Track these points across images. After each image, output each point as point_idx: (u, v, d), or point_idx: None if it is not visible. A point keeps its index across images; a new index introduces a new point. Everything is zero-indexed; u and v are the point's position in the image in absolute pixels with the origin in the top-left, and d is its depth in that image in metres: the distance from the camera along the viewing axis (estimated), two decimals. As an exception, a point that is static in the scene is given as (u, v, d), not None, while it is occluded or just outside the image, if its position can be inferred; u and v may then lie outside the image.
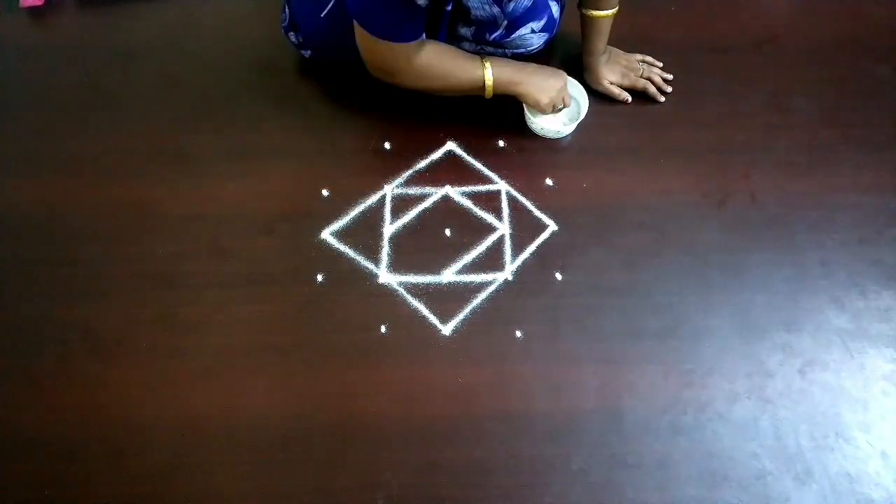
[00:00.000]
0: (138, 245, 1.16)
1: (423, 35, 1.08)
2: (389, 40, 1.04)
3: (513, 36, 1.16)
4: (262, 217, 1.18)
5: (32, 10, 1.41)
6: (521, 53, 1.21)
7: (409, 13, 1.01)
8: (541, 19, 1.16)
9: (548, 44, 1.22)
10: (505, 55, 1.22)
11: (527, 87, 1.16)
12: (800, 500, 0.99)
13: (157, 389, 1.05)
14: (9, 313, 1.12)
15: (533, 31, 1.17)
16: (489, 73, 1.13)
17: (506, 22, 1.12)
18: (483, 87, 1.14)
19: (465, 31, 1.18)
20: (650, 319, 1.10)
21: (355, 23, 1.04)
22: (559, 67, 1.26)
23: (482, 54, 1.15)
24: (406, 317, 1.10)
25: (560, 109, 1.22)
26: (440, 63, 1.11)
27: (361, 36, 1.06)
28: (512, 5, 1.09)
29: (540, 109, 1.19)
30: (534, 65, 1.18)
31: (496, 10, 1.09)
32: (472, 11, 1.10)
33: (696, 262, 1.15)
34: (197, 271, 1.14)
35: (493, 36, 1.16)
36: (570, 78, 1.25)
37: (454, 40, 1.22)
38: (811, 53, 1.36)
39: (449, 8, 1.10)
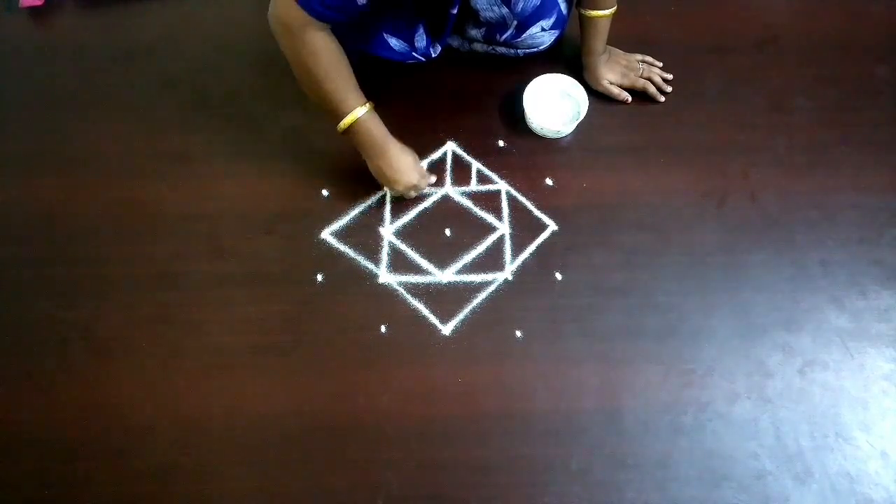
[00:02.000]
0: (138, 245, 1.16)
1: (339, 21, 0.98)
2: (303, 5, 0.92)
3: (523, 35, 1.16)
4: (262, 217, 1.18)
5: (32, 10, 1.41)
6: (533, 52, 1.21)
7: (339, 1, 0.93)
8: (550, 17, 1.15)
9: (558, 41, 1.22)
10: (517, 55, 1.22)
11: (374, 161, 1.09)
12: (800, 500, 0.99)
13: (157, 389, 1.05)
14: (9, 313, 1.12)
15: (543, 30, 1.16)
16: (355, 115, 1.03)
17: (515, 22, 1.12)
18: (339, 120, 1.04)
19: (475, 32, 1.18)
20: (650, 319, 1.10)
21: None
22: (559, 66, 1.27)
23: (369, 101, 1.06)
24: (406, 317, 1.10)
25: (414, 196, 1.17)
26: (325, 60, 0.99)
27: None
28: (521, 5, 1.08)
29: (392, 189, 1.14)
30: (402, 150, 1.12)
31: (505, 10, 1.09)
32: (481, 13, 1.10)
33: (696, 262, 1.15)
34: (197, 271, 1.14)
35: (503, 36, 1.16)
36: (570, 78, 1.25)
37: (466, 41, 1.22)
38: (811, 53, 1.36)
39: (454, 11, 1.09)
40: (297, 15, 0.95)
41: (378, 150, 1.09)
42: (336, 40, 1.01)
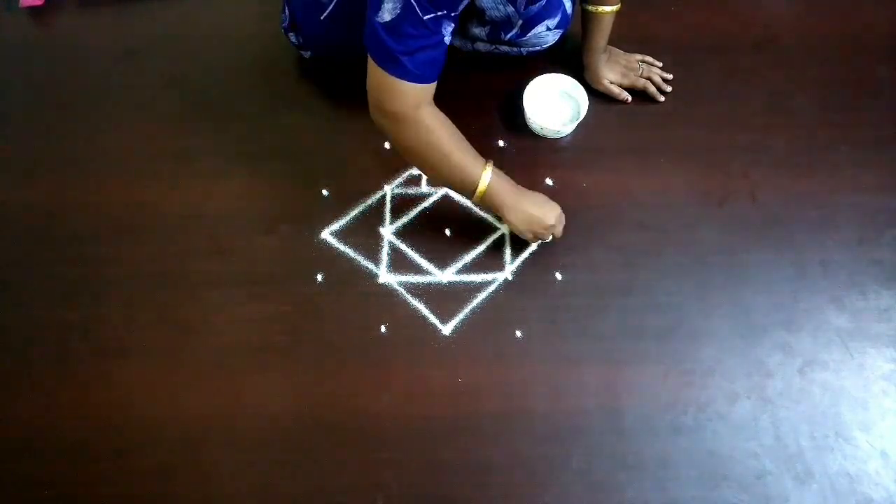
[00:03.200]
0: (138, 245, 1.16)
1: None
2: (406, 79, 0.94)
3: (528, 35, 1.16)
4: (262, 217, 1.18)
5: (32, 10, 1.41)
6: (537, 51, 1.21)
7: (433, 51, 0.94)
8: (555, 16, 1.16)
9: (562, 39, 1.22)
10: (520, 54, 1.22)
11: (513, 213, 1.06)
12: (800, 500, 0.99)
13: (157, 389, 1.05)
14: (9, 313, 1.12)
15: (548, 29, 1.16)
16: (486, 178, 1.01)
17: (521, 21, 1.12)
18: (474, 187, 1.02)
19: (479, 31, 1.17)
20: (650, 319, 1.10)
21: (369, 61, 0.95)
22: (560, 66, 1.27)
23: (488, 161, 1.04)
24: (406, 317, 1.10)
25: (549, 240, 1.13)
26: (446, 135, 1.00)
27: (374, 73, 0.96)
28: (526, 4, 1.08)
29: (522, 236, 1.11)
30: (532, 194, 1.08)
31: (511, 9, 1.09)
32: (487, 12, 1.10)
33: (696, 262, 1.15)
34: (197, 271, 1.14)
35: (508, 35, 1.16)
36: (569, 78, 1.25)
37: (468, 40, 1.22)
38: (811, 53, 1.36)
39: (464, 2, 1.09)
40: (409, 98, 0.95)
41: (515, 202, 1.05)
42: (445, 115, 1.01)
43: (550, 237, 1.12)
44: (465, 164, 1.01)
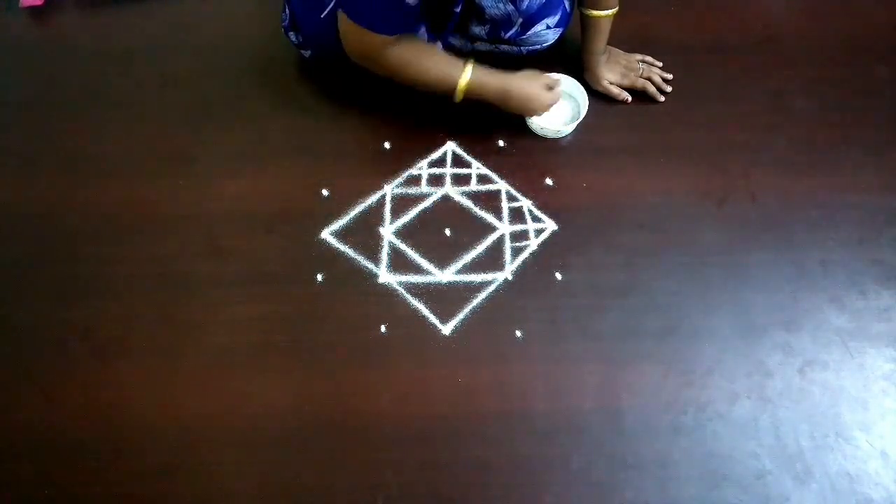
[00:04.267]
0: (138, 245, 1.16)
1: (409, 31, 1.09)
2: (370, 29, 1.03)
3: (528, 33, 1.16)
4: (262, 217, 1.18)
5: (32, 10, 1.41)
6: (537, 50, 1.21)
7: (396, 9, 1.01)
8: (555, 15, 1.16)
9: (562, 38, 1.22)
10: (520, 53, 1.22)
11: (505, 101, 1.14)
12: (800, 500, 0.99)
13: (157, 389, 1.05)
14: (9, 313, 1.12)
15: (548, 27, 1.17)
16: (465, 76, 1.11)
17: (521, 20, 1.12)
18: (454, 89, 1.12)
19: (479, 30, 1.17)
20: (650, 319, 1.10)
21: (339, 10, 1.05)
22: (560, 66, 1.27)
23: (466, 58, 1.14)
24: (406, 317, 1.10)
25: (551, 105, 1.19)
26: (417, 57, 1.10)
27: (342, 18, 1.05)
28: (526, 2, 1.09)
29: (532, 112, 1.18)
30: (520, 74, 1.15)
31: (510, 7, 1.09)
32: (487, 10, 1.10)
33: (696, 262, 1.15)
34: (197, 271, 1.14)
35: (508, 34, 1.16)
36: (569, 77, 1.25)
37: (468, 40, 1.22)
38: (811, 53, 1.36)
39: (458, 9, 1.09)
40: (370, 41, 1.05)
41: (503, 93, 1.12)
42: (413, 37, 1.09)
43: (557, 98, 1.17)
44: (442, 76, 1.10)
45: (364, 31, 1.03)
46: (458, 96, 1.13)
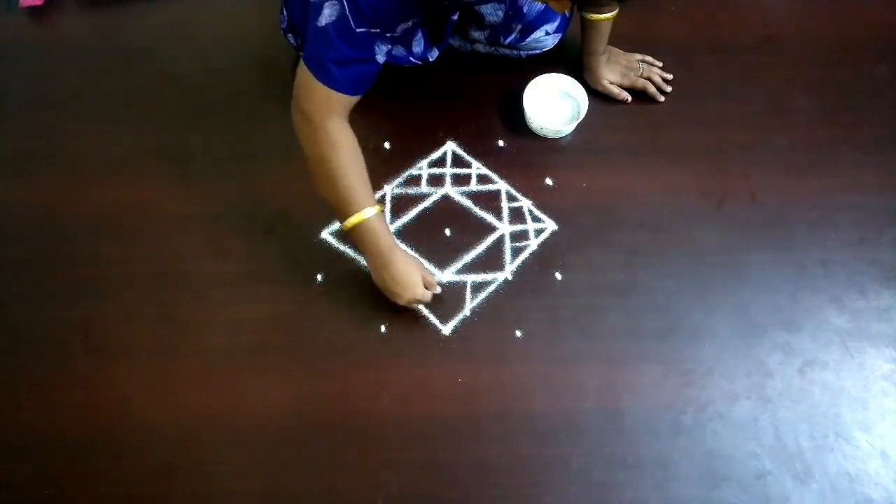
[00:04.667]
0: (138, 245, 1.16)
1: (361, 93, 0.99)
2: (325, 83, 0.94)
3: (528, 39, 1.16)
4: (262, 217, 1.18)
5: (32, 10, 1.41)
6: (536, 54, 1.21)
7: (361, 66, 0.95)
8: (554, 21, 1.16)
9: (560, 43, 1.22)
10: (519, 57, 1.22)
11: (375, 269, 1.04)
12: (800, 500, 0.99)
13: (157, 389, 1.05)
14: (9, 313, 1.12)
15: (547, 33, 1.17)
16: (361, 216, 0.98)
17: (520, 26, 1.12)
18: (346, 217, 0.99)
19: (478, 34, 1.17)
20: (650, 319, 1.10)
21: (301, 62, 0.96)
22: (560, 66, 1.26)
23: (380, 203, 1.04)
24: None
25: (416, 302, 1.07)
26: (345, 155, 0.98)
27: (300, 68, 0.96)
28: (525, 9, 1.08)
29: (394, 299, 1.06)
30: (407, 261, 1.04)
31: (510, 15, 1.09)
32: (486, 17, 1.10)
33: (696, 262, 1.15)
34: (197, 271, 1.14)
35: (507, 40, 1.16)
36: (570, 78, 1.25)
37: (468, 42, 1.22)
38: (811, 53, 1.36)
39: (454, 17, 1.09)
40: (321, 102, 0.95)
41: (384, 258, 1.01)
42: (354, 137, 1.00)
43: (407, 306, 1.07)
44: (352, 192, 0.98)
45: (319, 88, 0.94)
46: (345, 227, 1.00)
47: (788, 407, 1.05)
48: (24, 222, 1.19)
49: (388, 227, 1.04)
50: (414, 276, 1.04)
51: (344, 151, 0.98)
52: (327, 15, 0.90)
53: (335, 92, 0.95)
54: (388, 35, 0.94)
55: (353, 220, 0.99)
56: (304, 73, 0.95)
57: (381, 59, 0.95)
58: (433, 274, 1.13)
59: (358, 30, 0.90)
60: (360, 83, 0.97)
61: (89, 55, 1.36)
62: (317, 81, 0.94)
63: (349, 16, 0.89)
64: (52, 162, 1.25)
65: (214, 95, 1.31)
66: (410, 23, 1.01)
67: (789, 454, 1.01)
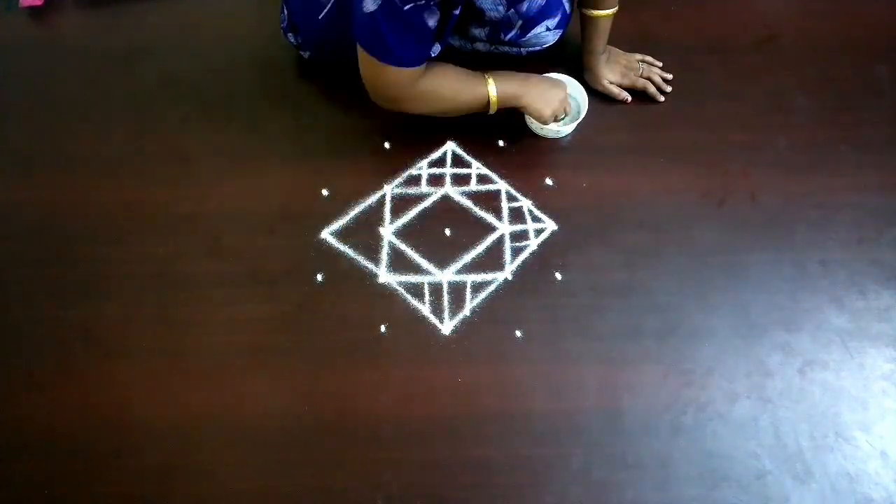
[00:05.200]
0: (138, 245, 1.16)
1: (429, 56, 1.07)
2: (398, 65, 1.01)
3: (528, 35, 1.16)
4: (262, 217, 1.18)
5: (32, 10, 1.41)
6: (537, 51, 1.21)
7: (419, 36, 1.00)
8: (555, 17, 1.16)
9: (561, 39, 1.22)
10: (520, 54, 1.23)
11: (530, 100, 1.14)
12: (800, 500, 0.99)
13: (157, 389, 1.05)
14: (9, 313, 1.12)
15: (548, 29, 1.17)
16: (493, 90, 1.11)
17: (521, 22, 1.12)
18: (487, 104, 1.13)
19: (478, 31, 1.17)
20: (650, 319, 1.10)
21: (359, 50, 1.02)
22: (560, 66, 1.27)
23: (483, 69, 1.14)
24: (406, 317, 1.10)
25: (562, 119, 1.22)
26: (446, 85, 1.10)
27: (366, 63, 1.03)
28: (526, 5, 1.08)
29: (542, 120, 1.17)
30: (535, 77, 1.17)
31: (510, 10, 1.09)
32: (487, 13, 1.10)
33: (696, 262, 1.15)
34: (197, 271, 1.14)
35: (508, 36, 1.16)
36: (570, 78, 1.25)
37: (467, 41, 1.22)
38: (811, 53, 1.36)
39: (456, 12, 1.09)
40: (403, 80, 1.04)
41: (518, 98, 1.13)
42: (432, 63, 1.08)
43: (563, 114, 1.20)
44: (471, 93, 1.11)
45: (392, 71, 1.02)
46: (493, 108, 1.14)
47: (788, 407, 1.05)
48: (24, 222, 1.19)
49: (507, 77, 1.14)
50: (549, 81, 1.17)
51: (440, 87, 1.09)
52: (371, 1, 0.94)
53: (406, 69, 1.02)
54: (432, 4, 0.97)
55: (493, 101, 1.12)
56: (370, 65, 1.02)
57: (432, 24, 0.99)
58: (433, 274, 1.13)
59: (405, 7, 0.94)
60: (424, 52, 1.03)
61: (89, 55, 1.36)
62: (385, 66, 1.00)
63: None
64: (52, 162, 1.25)
65: (214, 95, 1.31)
66: None
67: (789, 454, 1.01)
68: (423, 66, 1.05)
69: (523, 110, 1.17)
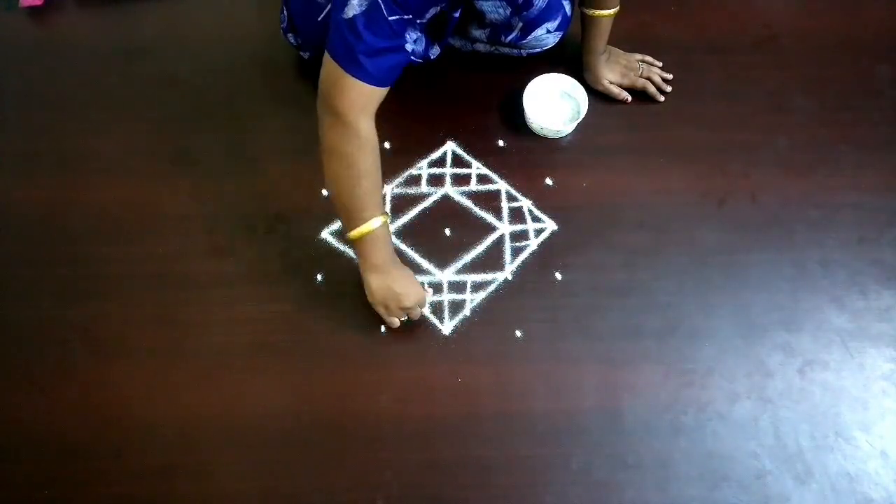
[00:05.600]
0: (138, 245, 1.16)
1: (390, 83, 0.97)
2: (363, 79, 0.92)
3: (529, 37, 1.16)
4: (262, 217, 1.18)
5: (32, 10, 1.41)
6: (537, 52, 1.21)
7: (392, 55, 0.93)
8: (555, 19, 1.16)
9: (561, 41, 1.22)
10: (520, 55, 1.23)
11: (370, 281, 1.01)
12: (800, 500, 0.99)
13: (157, 389, 1.05)
14: (9, 313, 1.12)
15: (548, 31, 1.17)
16: (367, 227, 0.96)
17: (521, 24, 1.12)
18: (356, 225, 0.97)
19: (479, 33, 1.17)
20: (650, 319, 1.10)
21: (325, 59, 0.94)
22: (560, 66, 1.26)
23: (384, 213, 1.00)
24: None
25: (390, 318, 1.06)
26: (371, 158, 0.97)
27: (329, 69, 0.94)
28: (527, 7, 1.08)
29: (373, 305, 1.05)
30: (405, 275, 1.04)
31: (511, 12, 1.09)
32: (487, 15, 1.10)
33: (696, 262, 1.15)
34: (197, 271, 1.14)
35: (508, 38, 1.16)
36: (570, 78, 1.25)
37: (468, 42, 1.22)
38: (811, 53, 1.36)
39: (456, 15, 1.09)
40: (354, 98, 0.93)
41: (387, 267, 1.01)
42: (370, 148, 0.96)
43: (398, 321, 1.05)
44: (366, 200, 0.97)
45: (352, 85, 0.92)
46: (352, 235, 0.98)
47: (789, 407, 1.05)
48: (24, 222, 1.19)
49: (390, 242, 1.03)
50: (415, 284, 1.04)
51: (370, 154, 0.97)
52: (356, 5, 0.89)
53: (367, 85, 0.93)
54: (418, 21, 0.94)
55: (363, 229, 0.97)
56: (332, 70, 0.93)
57: (409, 47, 0.95)
58: (433, 274, 1.13)
59: (391, 17, 0.90)
60: (391, 74, 0.95)
61: (89, 55, 1.36)
62: (348, 76, 0.92)
63: (382, 4, 0.88)
64: (52, 162, 1.25)
65: (214, 95, 1.31)
66: (438, 8, 1.01)
67: (789, 454, 1.01)
68: (381, 92, 0.96)
69: (363, 279, 1.03)
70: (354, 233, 0.98)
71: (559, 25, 1.17)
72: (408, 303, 1.02)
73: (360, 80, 0.92)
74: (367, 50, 0.91)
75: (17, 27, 1.41)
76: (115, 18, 1.41)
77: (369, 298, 1.04)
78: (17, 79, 1.35)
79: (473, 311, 1.11)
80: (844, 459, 1.01)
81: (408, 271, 1.05)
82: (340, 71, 0.92)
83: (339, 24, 0.91)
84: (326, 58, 0.94)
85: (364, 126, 0.95)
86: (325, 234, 1.17)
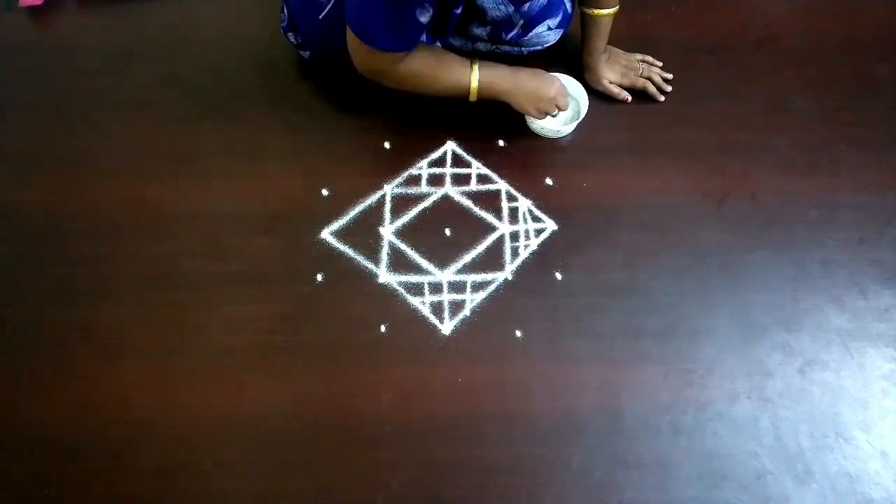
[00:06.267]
0: (138, 245, 1.16)
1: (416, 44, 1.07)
2: (383, 51, 1.02)
3: (529, 34, 1.16)
4: (262, 217, 1.18)
5: (32, 10, 1.41)
6: (538, 50, 1.22)
7: (407, 26, 1.00)
8: (556, 16, 1.16)
9: (563, 38, 1.22)
10: (521, 53, 1.23)
11: (515, 97, 1.13)
12: (800, 500, 0.99)
13: (157, 389, 1.05)
14: (9, 313, 1.12)
15: (549, 29, 1.17)
16: (475, 80, 1.10)
17: (522, 21, 1.12)
18: (468, 93, 1.12)
19: (480, 31, 1.17)
20: (650, 319, 1.10)
21: (348, 27, 1.03)
22: (560, 66, 1.26)
23: (473, 58, 1.12)
24: (406, 317, 1.10)
25: (556, 115, 1.21)
26: (428, 68, 1.09)
27: (353, 39, 1.04)
28: (528, 4, 1.09)
29: (529, 115, 1.17)
30: (526, 71, 1.14)
31: (511, 9, 1.09)
32: (488, 12, 1.10)
33: (696, 262, 1.15)
34: (197, 271, 1.14)
35: (509, 35, 1.16)
36: (569, 77, 1.25)
37: (469, 40, 1.22)
38: (811, 53, 1.36)
39: (458, 11, 1.09)
40: (381, 59, 1.04)
41: (503, 92, 1.12)
42: (420, 45, 1.07)
43: (556, 111, 1.17)
44: (452, 80, 1.10)
45: (377, 53, 1.02)
46: (473, 97, 1.12)
47: (788, 407, 1.05)
48: (24, 222, 1.19)
49: (493, 67, 1.12)
50: (541, 76, 1.14)
51: (423, 68, 1.08)
52: None
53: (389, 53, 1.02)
54: (426, 2, 0.97)
55: (474, 90, 1.10)
56: (355, 40, 1.02)
57: (424, 20, 0.99)
58: (433, 274, 1.13)
59: None
60: (409, 41, 1.03)
61: (89, 55, 1.36)
62: (376, 51, 1.01)
63: None
64: (52, 162, 1.25)
65: (214, 95, 1.31)
66: None
67: (789, 454, 1.01)
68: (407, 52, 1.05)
69: (509, 103, 1.16)
70: (473, 91, 1.11)
71: (560, 22, 1.17)
72: (549, 92, 1.13)
73: (385, 50, 1.02)
74: (383, 27, 0.98)
75: (17, 27, 1.41)
76: (115, 18, 1.41)
77: (525, 112, 1.16)
78: (17, 79, 1.35)
79: (473, 311, 1.11)
80: (844, 459, 1.01)
81: (532, 70, 1.14)
82: (366, 47, 1.01)
83: (355, 3, 0.97)
84: (349, 30, 1.02)
85: (401, 67, 1.06)
86: (325, 234, 1.17)
